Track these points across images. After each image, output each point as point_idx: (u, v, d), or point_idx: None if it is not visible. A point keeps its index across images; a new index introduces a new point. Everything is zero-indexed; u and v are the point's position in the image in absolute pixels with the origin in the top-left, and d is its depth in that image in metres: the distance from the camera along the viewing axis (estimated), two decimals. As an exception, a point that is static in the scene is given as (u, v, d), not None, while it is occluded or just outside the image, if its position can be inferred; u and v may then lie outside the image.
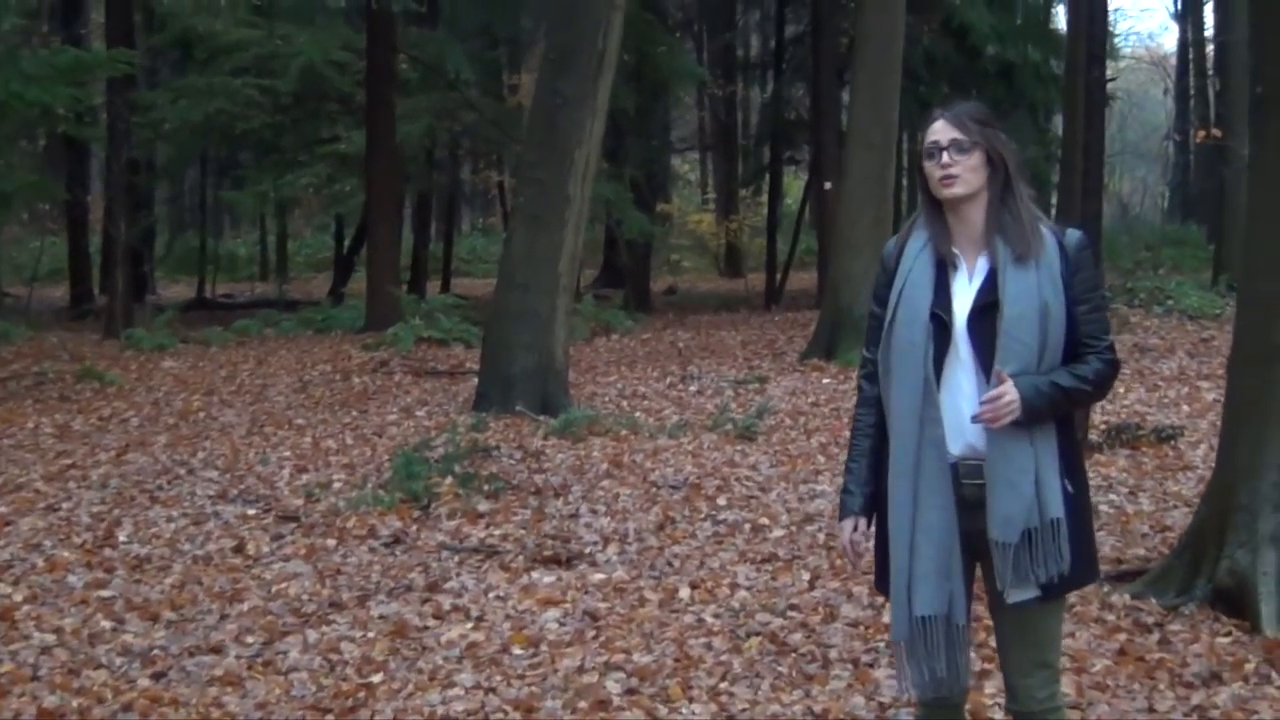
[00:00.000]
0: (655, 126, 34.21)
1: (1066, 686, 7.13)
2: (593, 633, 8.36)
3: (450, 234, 42.85)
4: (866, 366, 4.94)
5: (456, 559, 10.00)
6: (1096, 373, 4.68)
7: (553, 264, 16.01)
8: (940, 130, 4.71)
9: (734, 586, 9.16)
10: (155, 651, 8.16)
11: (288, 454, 13.75)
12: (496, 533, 10.64)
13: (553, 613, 8.74)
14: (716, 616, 8.54)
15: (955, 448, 4.68)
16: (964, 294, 4.71)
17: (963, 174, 4.66)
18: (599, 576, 9.50)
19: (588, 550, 10.13)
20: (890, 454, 4.77)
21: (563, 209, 15.94)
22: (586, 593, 9.15)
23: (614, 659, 7.85)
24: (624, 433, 14.45)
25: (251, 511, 11.35)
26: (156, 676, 7.78)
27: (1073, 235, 4.73)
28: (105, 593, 9.28)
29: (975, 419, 4.57)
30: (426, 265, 38.96)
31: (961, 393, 4.68)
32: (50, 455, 13.98)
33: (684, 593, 9.06)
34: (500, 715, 7.10)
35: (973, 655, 5.19)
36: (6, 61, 17.93)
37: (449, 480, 11.76)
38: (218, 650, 8.20)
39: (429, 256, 41.56)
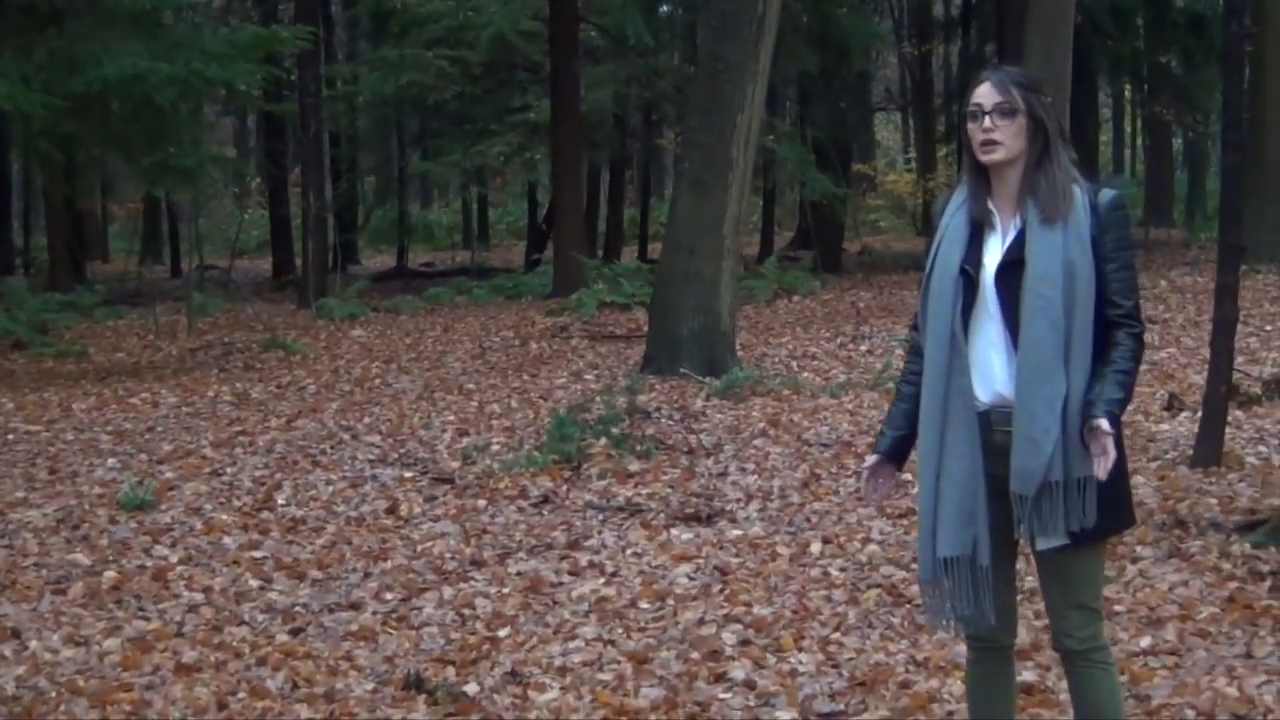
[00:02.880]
0: (843, 88, 34.10)
1: (1169, 633, 7.22)
2: (719, 587, 8.53)
3: (646, 200, 43.13)
4: (916, 318, 5.12)
5: (600, 517, 10.22)
6: (1133, 355, 4.80)
7: (717, 227, 16.18)
8: (985, 94, 4.82)
9: (865, 541, 9.29)
10: (297, 609, 8.47)
11: (451, 418, 14.07)
12: (644, 492, 10.83)
13: (684, 568, 8.94)
14: (842, 570, 8.69)
15: (985, 396, 4.83)
16: (995, 251, 4.86)
17: (1004, 139, 4.78)
18: (736, 533, 9.67)
19: (729, 508, 10.30)
20: (921, 401, 4.94)
21: (726, 173, 16.09)
22: (721, 548, 9.33)
23: (735, 611, 8.03)
24: (786, 393, 14.58)
25: (409, 474, 11.66)
26: (295, 632, 8.09)
27: (1106, 194, 4.84)
28: (257, 553, 9.63)
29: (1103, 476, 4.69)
30: (621, 231, 39.30)
31: (991, 343, 4.83)
32: (224, 422, 14.44)
33: (815, 547, 9.21)
34: (614, 665, 7.31)
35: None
36: (189, 40, 18.41)
37: (602, 441, 11.96)
38: (356, 607, 8.49)
39: (626, 222, 41.95)
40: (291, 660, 7.58)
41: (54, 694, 7.14)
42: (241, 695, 7.10)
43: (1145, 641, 7.15)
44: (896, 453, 5.16)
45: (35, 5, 17.69)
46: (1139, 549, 8.62)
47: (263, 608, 8.52)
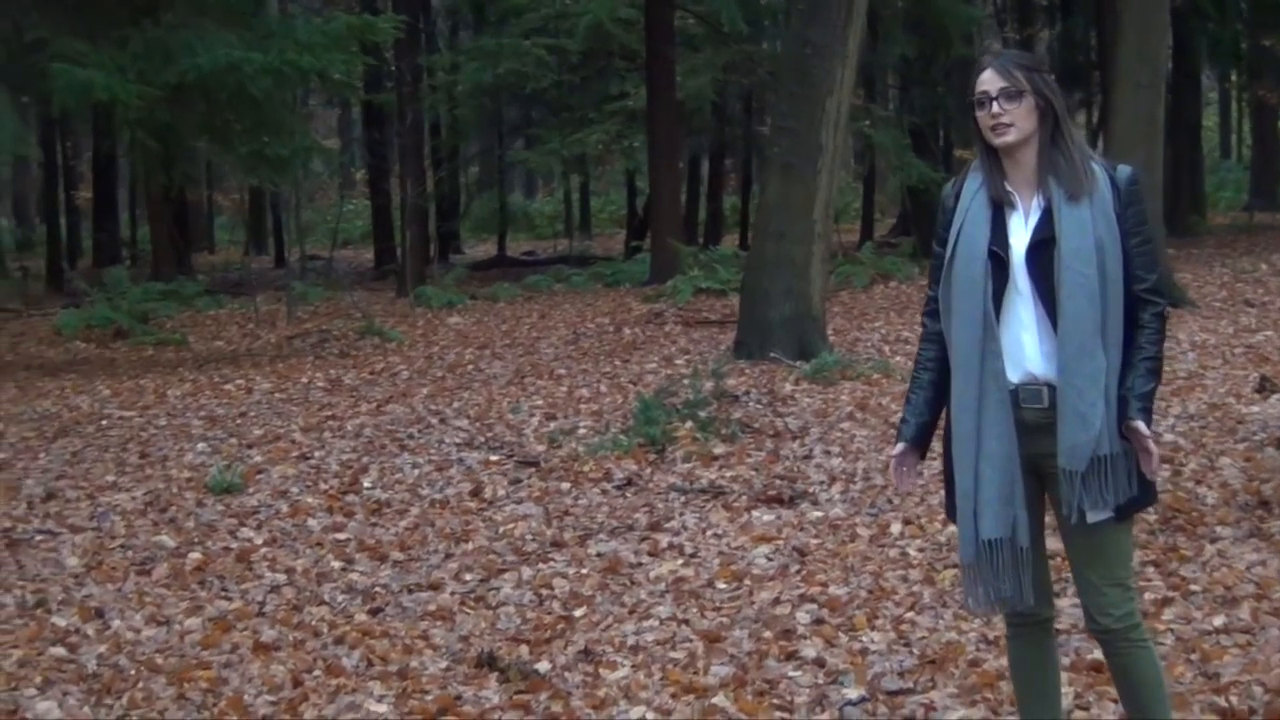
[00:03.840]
0: (942, 73, 33.90)
1: (1243, 612, 7.18)
2: (797, 567, 8.54)
3: (746, 187, 43.09)
4: (929, 304, 5.15)
5: (683, 500, 10.24)
6: (1158, 337, 4.86)
7: (807, 212, 16.14)
8: (989, 80, 4.85)
9: (946, 522, 9.24)
10: (377, 589, 8.56)
11: (540, 403, 14.13)
12: (728, 474, 10.84)
13: (764, 549, 8.95)
14: (920, 550, 8.67)
15: (1015, 376, 4.86)
16: (1020, 231, 4.89)
17: (1014, 121, 4.82)
18: (817, 514, 9.67)
19: (812, 490, 10.29)
20: (953, 387, 4.98)
21: (815, 157, 16.06)
22: (801, 530, 9.33)
23: (810, 591, 8.04)
24: (876, 376, 14.54)
25: (495, 457, 11.71)
26: (373, 612, 8.17)
27: (1123, 171, 4.88)
28: (341, 535, 9.72)
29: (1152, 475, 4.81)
30: (721, 218, 39.30)
31: (1021, 324, 4.86)
32: (315, 408, 14.56)
33: (895, 528, 9.19)
34: (687, 644, 7.34)
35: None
36: (283, 30, 18.56)
37: (688, 425, 11.98)
38: (436, 587, 8.57)
39: (727, 209, 41.94)
40: (368, 639, 7.67)
41: (133, 671, 7.26)
42: (317, 673, 7.20)
43: (1219, 620, 7.10)
44: (920, 439, 5.21)
45: (131, -6, 17.88)
46: (1219, 529, 8.56)
47: (343, 588, 8.61)
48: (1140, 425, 4.71)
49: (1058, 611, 5.75)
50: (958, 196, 5.04)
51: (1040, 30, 43.61)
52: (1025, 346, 4.85)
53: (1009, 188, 4.91)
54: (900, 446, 5.20)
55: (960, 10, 29.29)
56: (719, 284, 23.80)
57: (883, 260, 27.54)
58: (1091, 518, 4.78)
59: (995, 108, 4.81)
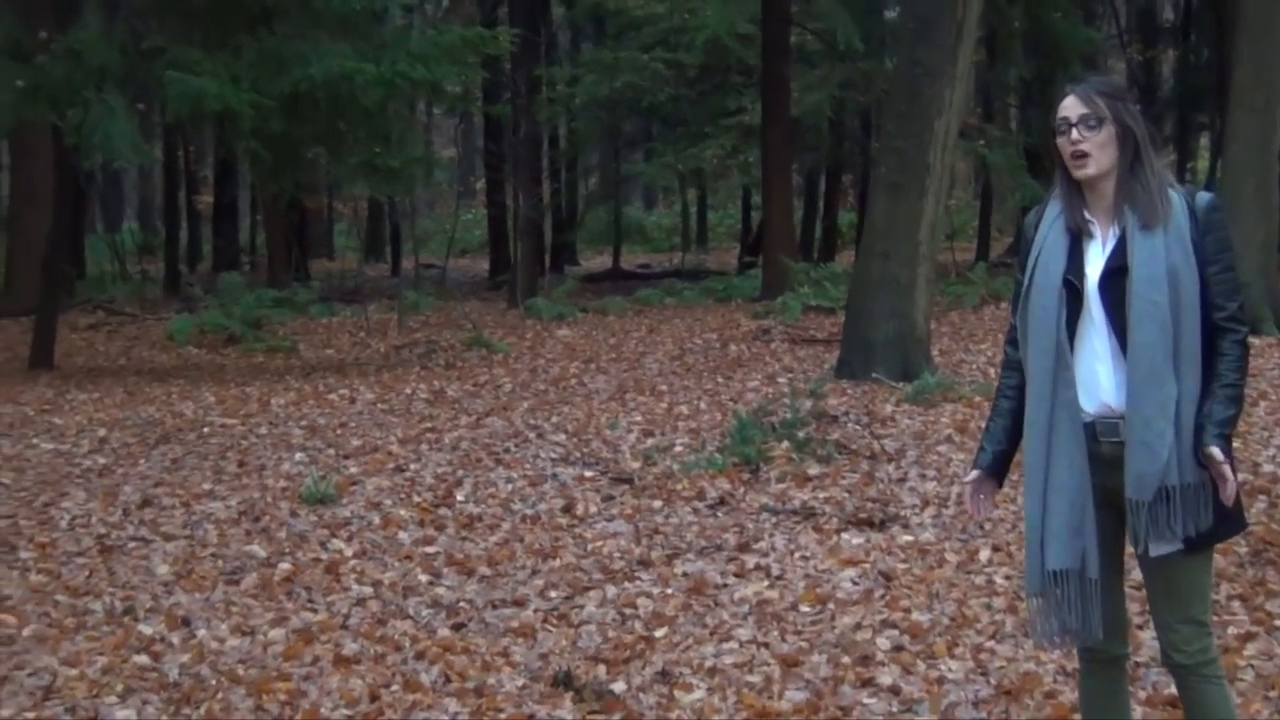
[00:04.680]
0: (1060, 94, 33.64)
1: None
2: (882, 592, 8.50)
3: (863, 204, 42.92)
4: (1011, 332, 5.15)
5: (774, 520, 10.21)
6: (1239, 365, 4.79)
7: (913, 232, 16.09)
8: (1070, 106, 4.83)
9: (1035, 550, 9.17)
10: (462, 604, 8.58)
11: (639, 419, 14.13)
12: (821, 495, 10.80)
13: (850, 572, 8.91)
14: (1007, 578, 8.61)
15: (1090, 407, 4.84)
16: (1096, 260, 4.86)
17: (1093, 152, 4.80)
18: (907, 538, 9.62)
19: (904, 513, 10.24)
20: (1026, 416, 4.96)
21: (923, 178, 16.00)
22: (890, 554, 9.28)
23: (893, 617, 8.00)
24: (978, 399, 14.44)
25: (589, 474, 11.73)
26: (456, 627, 8.20)
27: (1203, 198, 4.84)
28: (430, 549, 9.75)
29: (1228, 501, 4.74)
30: (836, 235, 39.21)
31: (1095, 354, 4.84)
32: (415, 419, 14.64)
33: (984, 555, 9.14)
34: (764, 668, 7.32)
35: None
36: (396, 41, 18.68)
37: (784, 444, 11.95)
38: (520, 603, 8.58)
39: (845, 226, 41.82)
40: (449, 655, 7.69)
41: (214, 681, 7.31)
42: (395, 688, 7.22)
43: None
44: (997, 467, 5.19)
45: (246, 4, 18.03)
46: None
47: (429, 602, 8.64)
48: (1216, 452, 4.65)
49: (1137, 646, 5.70)
50: (1038, 225, 5.03)
51: (1163, 52, 43.30)
52: (1100, 377, 4.82)
53: (1088, 216, 4.89)
54: (975, 474, 5.19)
55: (1078, 32, 29.12)
56: (828, 302, 23.73)
57: (994, 281, 27.37)
58: (1155, 550, 4.75)
59: (1075, 134, 4.79)
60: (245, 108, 17.09)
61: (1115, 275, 4.78)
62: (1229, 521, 4.83)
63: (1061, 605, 4.86)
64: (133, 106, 19.53)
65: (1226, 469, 4.64)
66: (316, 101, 18.30)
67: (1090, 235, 4.88)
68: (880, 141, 17.80)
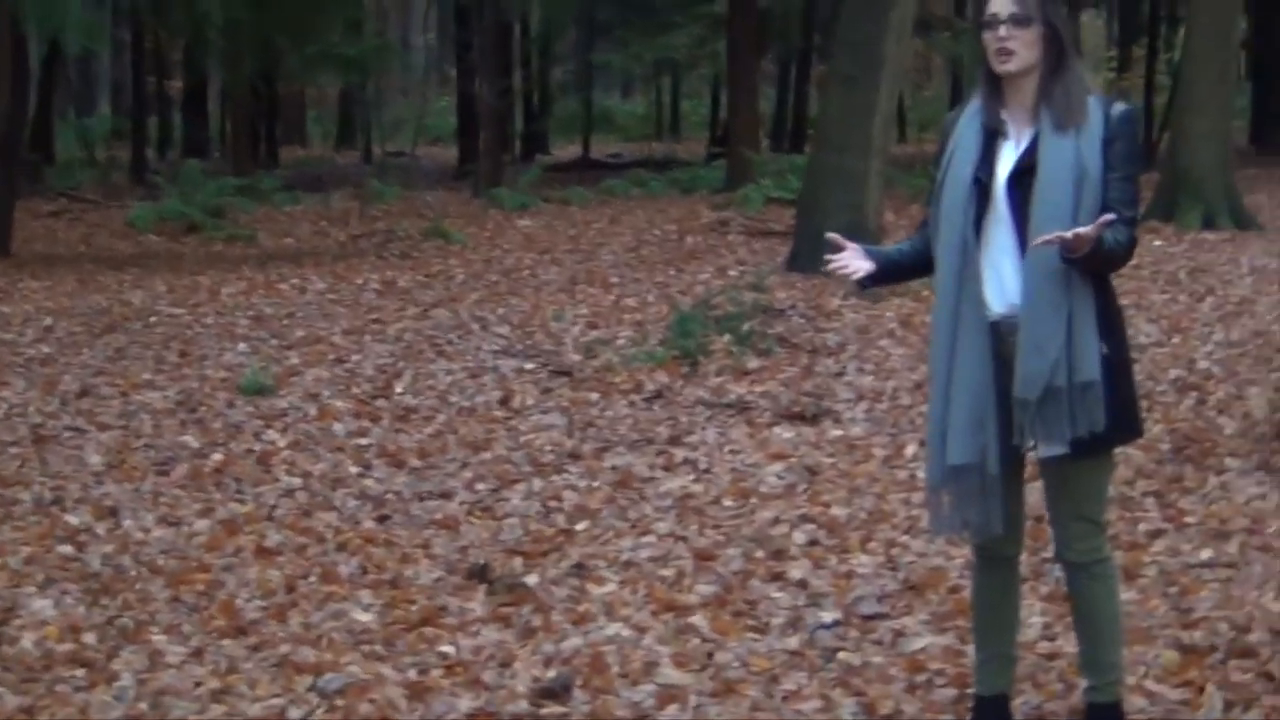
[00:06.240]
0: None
1: (1231, 546, 7.15)
2: (804, 486, 8.57)
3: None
4: (923, 227, 5.19)
5: (707, 414, 10.27)
6: (1120, 242, 4.76)
7: (866, 125, 16.12)
8: (1000, 3, 4.84)
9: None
10: (389, 496, 8.65)
11: (585, 311, 14.18)
12: (758, 389, 10.86)
13: (776, 467, 8.98)
14: (930, 474, 8.66)
15: (998, 306, 4.88)
16: (1008, 159, 4.90)
17: (1018, 49, 4.81)
18: (837, 433, 9.70)
19: (837, 407, 10.30)
20: (932, 313, 5.03)
21: (877, 70, 16.01)
22: (818, 448, 9.36)
23: (812, 511, 8.07)
24: (926, 293, 14.42)
25: (530, 366, 11.77)
26: (381, 519, 8.27)
27: (1118, 107, 4.87)
28: (363, 440, 9.81)
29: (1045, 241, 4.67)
30: (805, 125, 39.06)
31: (1003, 250, 4.88)
32: (362, 310, 14.68)
33: (910, 450, 9.17)
34: (679, 561, 7.39)
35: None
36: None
37: (725, 338, 11.99)
38: (447, 496, 8.66)
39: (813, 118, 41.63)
40: (370, 546, 7.76)
41: (134, 572, 7.37)
42: (312, 579, 7.29)
43: (1205, 554, 7.08)
44: (877, 256, 5.17)
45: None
46: (1228, 460, 8.52)
47: (356, 494, 8.71)
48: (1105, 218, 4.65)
49: (1045, 542, 5.78)
50: (957, 122, 5.06)
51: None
52: (1005, 273, 4.86)
53: (1004, 116, 4.92)
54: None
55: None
56: (789, 194, 23.60)
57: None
58: (1045, 450, 4.83)
59: (1003, 30, 4.80)
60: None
61: (1024, 175, 4.82)
62: (1123, 426, 4.90)
63: (962, 499, 4.92)
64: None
65: (1085, 240, 4.62)
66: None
67: (1005, 135, 4.91)
68: (836, 33, 17.76)
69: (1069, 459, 4.83)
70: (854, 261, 5.08)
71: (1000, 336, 4.87)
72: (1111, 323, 4.88)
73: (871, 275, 5.09)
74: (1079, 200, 4.73)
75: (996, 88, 4.93)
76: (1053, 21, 4.83)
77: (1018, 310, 4.83)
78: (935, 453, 4.99)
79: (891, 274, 5.21)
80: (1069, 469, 4.88)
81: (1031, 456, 5.00)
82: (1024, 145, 4.87)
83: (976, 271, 4.87)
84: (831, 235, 5.14)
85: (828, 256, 5.12)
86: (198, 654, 6.34)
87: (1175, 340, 11.71)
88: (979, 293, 4.87)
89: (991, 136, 4.92)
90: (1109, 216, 4.65)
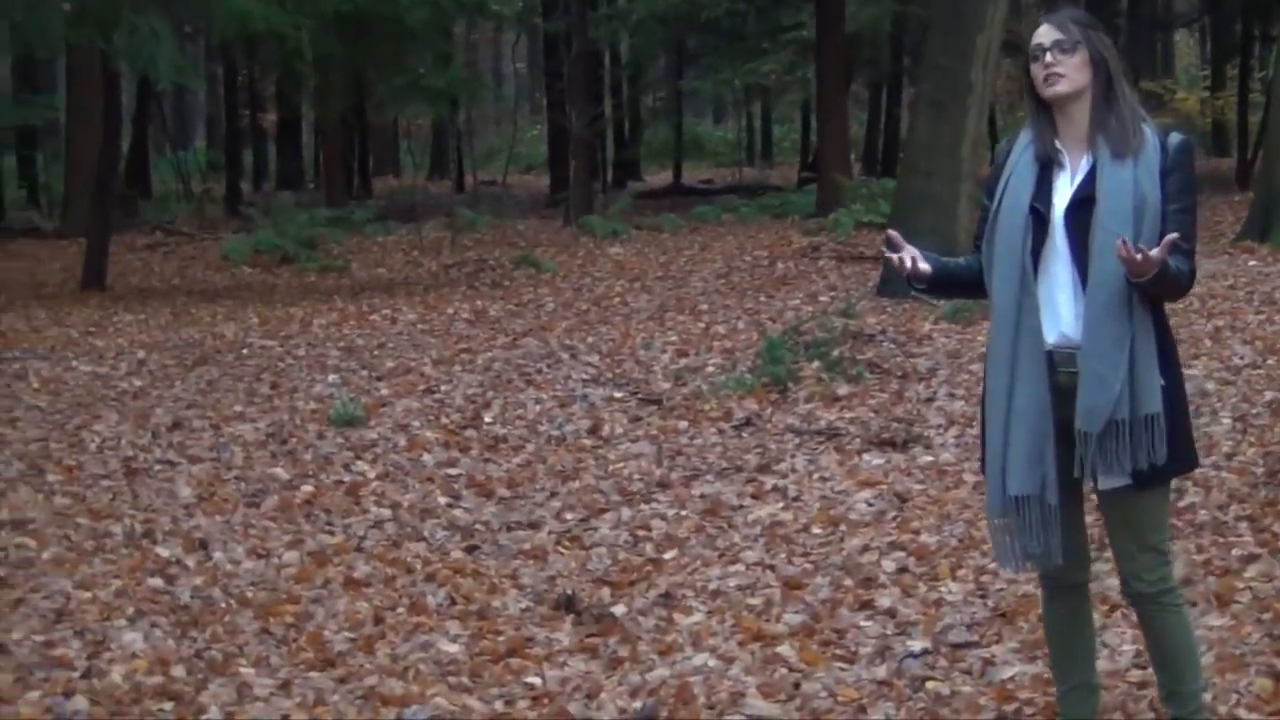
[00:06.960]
0: (1126, 3, 33.35)
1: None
2: (894, 514, 8.52)
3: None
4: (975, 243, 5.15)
5: (797, 441, 10.23)
6: (1182, 270, 4.73)
7: (955, 150, 16.06)
8: (1044, 34, 4.84)
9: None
10: (477, 526, 8.68)
11: (674, 339, 14.15)
12: (847, 416, 10.81)
13: (865, 494, 8.93)
14: (1022, 499, 8.59)
15: (1050, 336, 4.84)
16: (1064, 189, 4.86)
17: (1067, 72, 4.79)
18: (927, 459, 9.63)
19: (928, 434, 10.23)
20: (989, 344, 4.99)
21: (964, 95, 15.96)
22: (908, 475, 9.30)
23: (901, 539, 8.02)
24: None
25: (619, 394, 11.78)
26: (469, 549, 8.30)
27: (1175, 137, 4.84)
28: (453, 470, 9.84)
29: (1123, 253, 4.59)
30: (896, 149, 38.95)
31: (1058, 283, 4.84)
32: (452, 340, 14.72)
33: (1002, 476, 9.08)
34: (766, 590, 7.37)
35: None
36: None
37: (814, 364, 11.95)
38: (536, 526, 8.67)
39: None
40: (458, 577, 7.78)
41: (224, 604, 7.40)
42: (400, 611, 7.32)
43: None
44: (934, 261, 5.04)
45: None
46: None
47: (445, 524, 8.75)
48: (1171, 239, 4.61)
49: (1095, 575, 5.72)
50: (1009, 153, 5.03)
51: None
52: (1060, 306, 4.83)
53: (1058, 145, 4.89)
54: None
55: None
56: (881, 218, 23.55)
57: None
58: (1105, 483, 4.80)
59: (1049, 58, 4.79)
60: (289, 30, 17.14)
61: (1082, 205, 4.79)
62: (1179, 458, 4.85)
63: (1022, 530, 4.89)
64: (178, 28, 19.58)
65: (1151, 262, 4.56)
66: (364, 22, 18.33)
67: (1060, 165, 4.89)
68: (923, 59, 17.71)
69: (1130, 490, 4.80)
70: (909, 259, 4.99)
71: (1053, 366, 4.84)
72: (1169, 355, 4.86)
73: (926, 279, 5.01)
74: (1138, 229, 4.69)
75: (1048, 119, 4.91)
76: (1097, 48, 4.82)
77: (1070, 340, 4.81)
78: (995, 484, 4.97)
79: (946, 285, 5.16)
80: (1130, 500, 4.84)
81: (1088, 487, 4.97)
82: (1081, 175, 4.84)
83: (1034, 304, 4.84)
84: (891, 232, 5.06)
85: (883, 250, 5.09)
86: (285, 686, 6.36)
87: (1270, 362, 11.55)
88: (1036, 324, 4.84)
89: (1046, 167, 4.90)
90: (1174, 236, 4.61)
